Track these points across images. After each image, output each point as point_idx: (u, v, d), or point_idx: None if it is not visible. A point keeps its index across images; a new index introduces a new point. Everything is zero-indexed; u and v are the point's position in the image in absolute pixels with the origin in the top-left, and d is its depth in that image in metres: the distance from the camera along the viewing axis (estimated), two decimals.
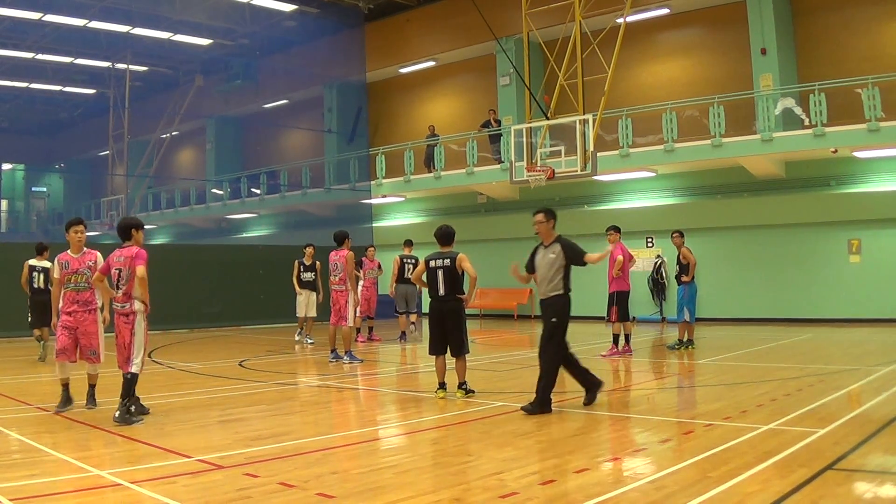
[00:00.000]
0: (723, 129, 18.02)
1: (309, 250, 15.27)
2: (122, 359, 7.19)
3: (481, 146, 22.63)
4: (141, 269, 7.05)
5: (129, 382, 7.10)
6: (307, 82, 28.50)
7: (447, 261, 8.17)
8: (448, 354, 8.37)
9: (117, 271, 7.20)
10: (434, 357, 8.45)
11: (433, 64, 25.74)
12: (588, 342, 14.62)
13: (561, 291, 7.55)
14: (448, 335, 8.22)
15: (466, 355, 8.37)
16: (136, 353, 7.16)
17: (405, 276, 15.10)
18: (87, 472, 5.22)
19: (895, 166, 17.54)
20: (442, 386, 8.35)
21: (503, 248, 23.59)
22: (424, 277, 8.42)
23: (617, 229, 12.62)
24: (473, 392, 8.41)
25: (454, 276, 8.16)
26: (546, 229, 7.80)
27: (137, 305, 7.20)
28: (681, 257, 12.83)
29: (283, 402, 8.69)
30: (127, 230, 7.34)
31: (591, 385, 7.72)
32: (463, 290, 8.27)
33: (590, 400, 7.67)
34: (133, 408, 7.14)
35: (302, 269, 15.18)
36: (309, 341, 14.83)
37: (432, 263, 8.19)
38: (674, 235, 13.08)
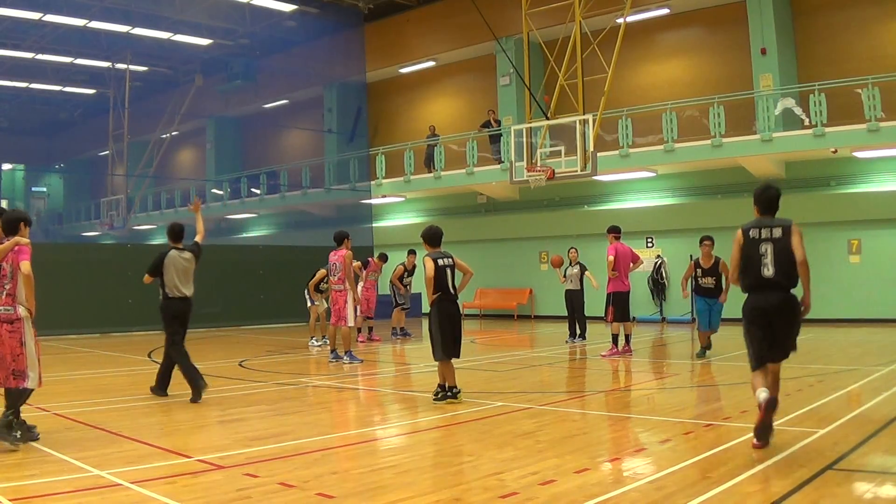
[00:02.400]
0: (723, 129, 18.02)
1: None
2: (4, 373, 5.99)
3: (481, 146, 22.63)
4: (25, 265, 5.92)
5: (20, 395, 6.02)
6: (307, 82, 28.50)
7: (450, 260, 8.05)
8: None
9: None
10: (444, 361, 7.97)
11: (433, 64, 25.74)
12: (590, 342, 14.63)
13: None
14: (459, 336, 8.07)
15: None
16: (30, 365, 6.00)
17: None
18: (87, 472, 5.22)
19: (895, 166, 17.54)
20: (456, 389, 8.05)
21: (503, 248, 23.65)
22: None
23: (612, 230, 12.60)
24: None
25: (454, 276, 8.08)
26: None
27: (22, 311, 6.00)
28: (719, 267, 11.53)
29: (283, 402, 8.68)
30: (14, 224, 6.13)
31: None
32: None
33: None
34: (16, 423, 6.01)
35: (325, 280, 14.72)
36: (318, 344, 14.77)
37: (440, 262, 8.01)
38: (704, 243, 11.83)
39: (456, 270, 8.11)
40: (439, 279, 7.96)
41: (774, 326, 5.68)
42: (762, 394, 5.53)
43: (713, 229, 19.68)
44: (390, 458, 5.96)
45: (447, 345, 7.96)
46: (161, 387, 8.69)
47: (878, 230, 17.74)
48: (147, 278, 8.95)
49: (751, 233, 5.81)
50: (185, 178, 34.12)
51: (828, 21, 19.02)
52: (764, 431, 5.52)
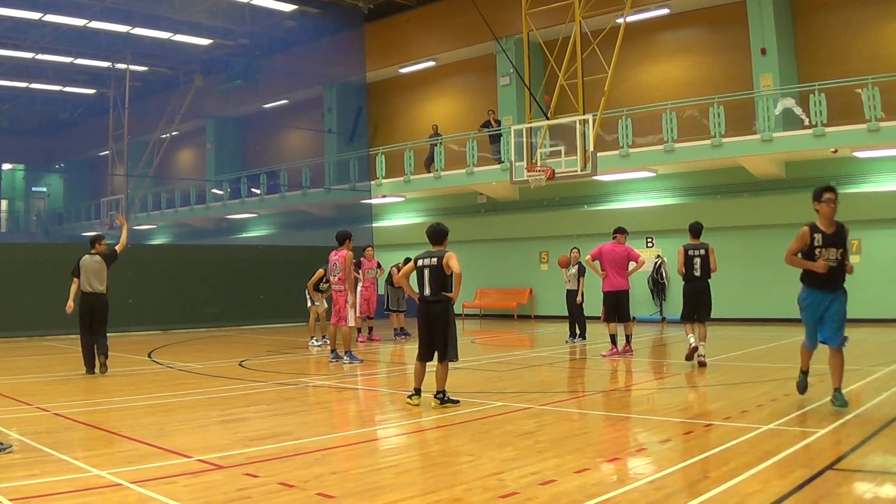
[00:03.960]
0: (723, 129, 18.02)
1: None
2: None
3: (481, 146, 22.63)
4: None
5: None
6: (307, 82, 28.51)
7: (434, 259, 7.78)
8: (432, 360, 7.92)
9: None
10: (417, 361, 7.94)
11: (433, 64, 25.74)
12: (590, 342, 14.63)
13: None
14: (435, 339, 7.75)
15: (451, 363, 7.77)
16: None
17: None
18: (87, 472, 5.22)
19: (895, 166, 17.54)
20: (417, 392, 7.87)
21: (503, 248, 23.65)
22: (413, 277, 8.03)
23: (617, 230, 12.65)
24: (457, 402, 7.75)
25: (440, 276, 7.72)
26: None
27: None
28: (845, 236, 7.20)
29: (283, 402, 8.68)
30: None
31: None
32: (450, 290, 7.79)
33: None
34: None
35: (325, 279, 14.72)
36: (318, 343, 14.77)
37: (420, 262, 7.88)
38: (826, 196, 7.08)
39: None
40: (417, 280, 7.90)
41: (698, 300, 10.68)
42: (692, 338, 10.74)
43: (714, 229, 19.70)
44: (390, 458, 5.96)
45: (420, 346, 7.92)
46: (90, 366, 10.93)
47: (878, 230, 17.73)
48: (74, 281, 10.89)
49: (689, 251, 10.79)
50: (185, 178, 34.13)
51: (828, 21, 19.02)
52: (690, 358, 10.80)
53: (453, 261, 7.66)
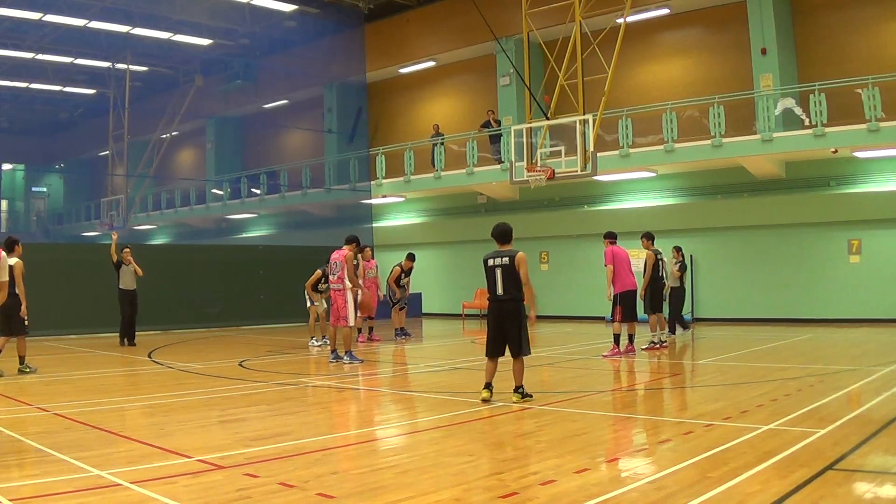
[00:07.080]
0: (723, 129, 18.02)
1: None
2: None
3: (481, 146, 22.62)
4: None
5: None
6: (307, 82, 28.49)
7: (506, 259, 7.91)
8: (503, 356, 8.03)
9: None
10: (488, 358, 8.08)
11: (433, 64, 25.73)
12: (590, 342, 14.62)
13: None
14: (508, 336, 7.89)
15: (525, 358, 7.93)
16: None
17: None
18: (87, 472, 5.21)
19: (895, 166, 17.55)
20: (488, 386, 7.96)
21: None
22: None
23: (609, 235, 12.65)
24: (531, 397, 7.95)
25: (513, 274, 7.86)
26: None
27: None
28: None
29: (283, 402, 8.68)
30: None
31: None
32: (521, 289, 7.89)
33: None
34: None
35: (323, 280, 14.71)
36: (318, 343, 14.78)
37: (490, 262, 7.99)
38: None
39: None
40: (487, 279, 8.00)
41: (661, 295, 13.61)
42: (663, 335, 13.35)
43: (713, 229, 19.88)
44: (390, 458, 5.96)
45: (488, 343, 8.07)
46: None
47: (878, 230, 17.74)
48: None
49: (657, 256, 13.19)
50: (185, 178, 34.11)
51: (828, 21, 19.02)
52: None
53: (524, 266, 7.91)
